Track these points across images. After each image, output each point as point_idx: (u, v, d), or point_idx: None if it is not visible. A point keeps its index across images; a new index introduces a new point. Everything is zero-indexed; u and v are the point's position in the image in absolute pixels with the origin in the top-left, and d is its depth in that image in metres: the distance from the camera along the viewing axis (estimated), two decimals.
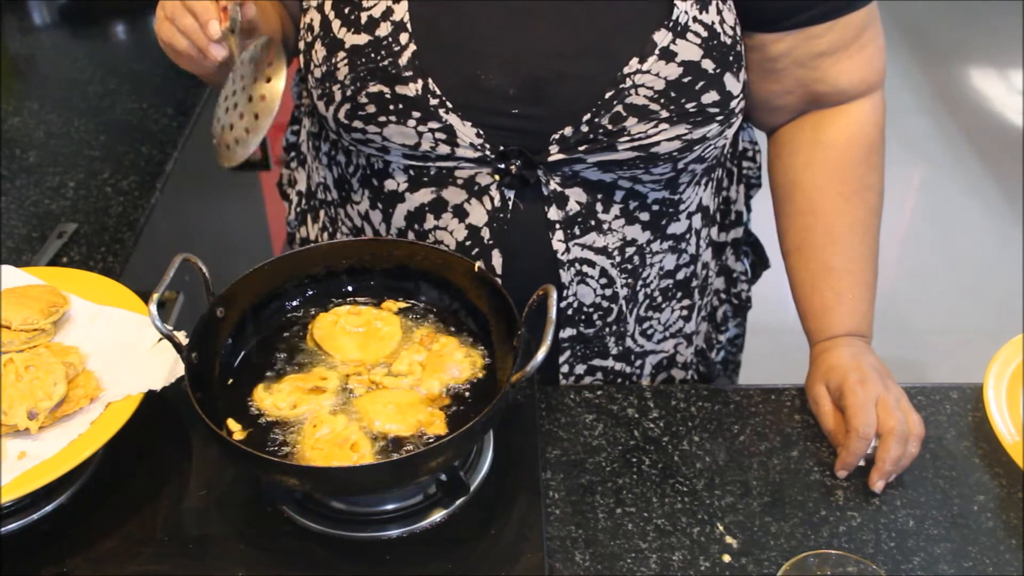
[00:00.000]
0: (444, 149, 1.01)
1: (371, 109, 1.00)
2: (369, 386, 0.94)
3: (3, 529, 0.89)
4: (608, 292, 1.11)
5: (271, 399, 0.91)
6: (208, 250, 1.33)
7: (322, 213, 1.23)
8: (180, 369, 0.92)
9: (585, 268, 1.08)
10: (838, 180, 1.10)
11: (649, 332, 1.20)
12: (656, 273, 1.15)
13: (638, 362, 1.21)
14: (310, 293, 1.03)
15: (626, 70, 0.95)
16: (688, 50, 0.96)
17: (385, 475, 0.84)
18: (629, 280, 1.12)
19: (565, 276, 1.08)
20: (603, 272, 1.09)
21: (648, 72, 0.95)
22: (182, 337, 0.92)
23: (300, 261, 1.02)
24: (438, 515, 0.90)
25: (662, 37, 0.95)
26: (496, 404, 0.84)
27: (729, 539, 0.92)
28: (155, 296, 0.88)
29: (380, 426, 0.88)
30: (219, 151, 1.00)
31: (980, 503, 0.97)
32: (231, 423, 0.89)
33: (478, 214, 1.05)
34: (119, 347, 0.99)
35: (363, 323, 0.99)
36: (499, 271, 1.07)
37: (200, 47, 0.95)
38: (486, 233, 1.05)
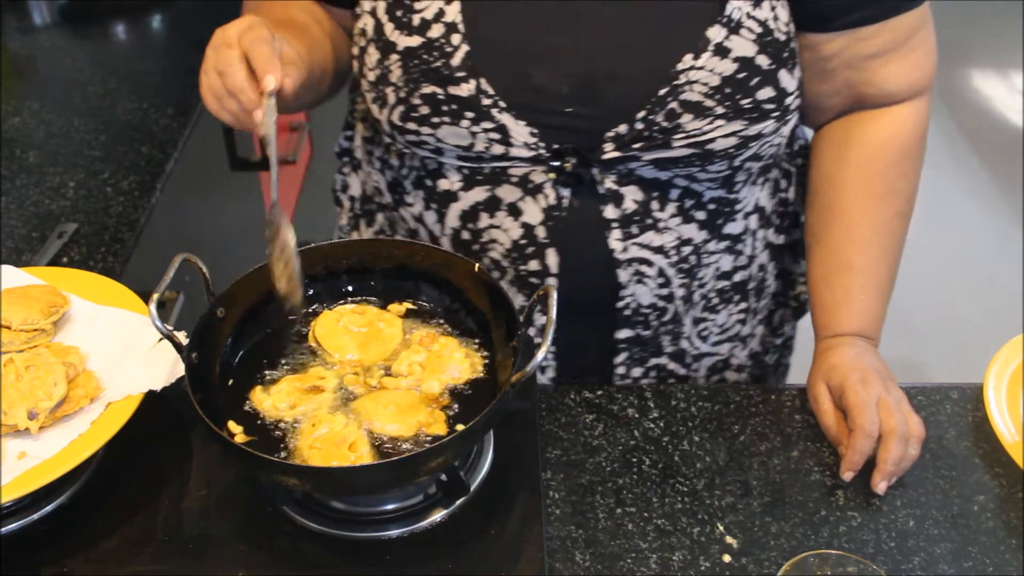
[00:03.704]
0: (498, 149, 1.01)
1: (425, 110, 1.00)
2: (368, 387, 0.94)
3: (3, 529, 0.89)
4: (664, 292, 1.11)
5: (270, 400, 0.91)
6: (208, 250, 1.33)
7: (380, 216, 1.23)
8: (180, 369, 0.92)
9: (643, 268, 1.08)
10: (866, 180, 1.10)
11: (705, 334, 1.19)
12: (712, 274, 1.15)
13: (694, 365, 1.20)
14: (310, 293, 1.03)
15: (680, 66, 0.95)
16: (742, 46, 0.96)
17: (385, 475, 0.84)
18: (685, 280, 1.12)
19: (623, 275, 1.08)
20: (660, 272, 1.09)
21: (702, 68, 0.95)
22: (182, 337, 0.92)
23: (300, 261, 1.02)
24: (438, 515, 0.90)
25: (716, 33, 0.95)
26: (496, 404, 0.84)
27: (729, 539, 0.92)
28: (155, 296, 0.88)
29: (380, 427, 0.88)
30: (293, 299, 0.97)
31: (980, 503, 0.97)
32: (232, 425, 0.89)
33: (533, 212, 1.05)
34: (119, 347, 0.99)
35: (365, 323, 0.99)
36: (554, 270, 1.07)
37: (247, 127, 0.94)
38: (541, 231, 1.05)
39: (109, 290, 1.05)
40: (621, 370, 1.16)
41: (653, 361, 1.16)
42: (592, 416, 1.05)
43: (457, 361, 0.95)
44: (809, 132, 1.20)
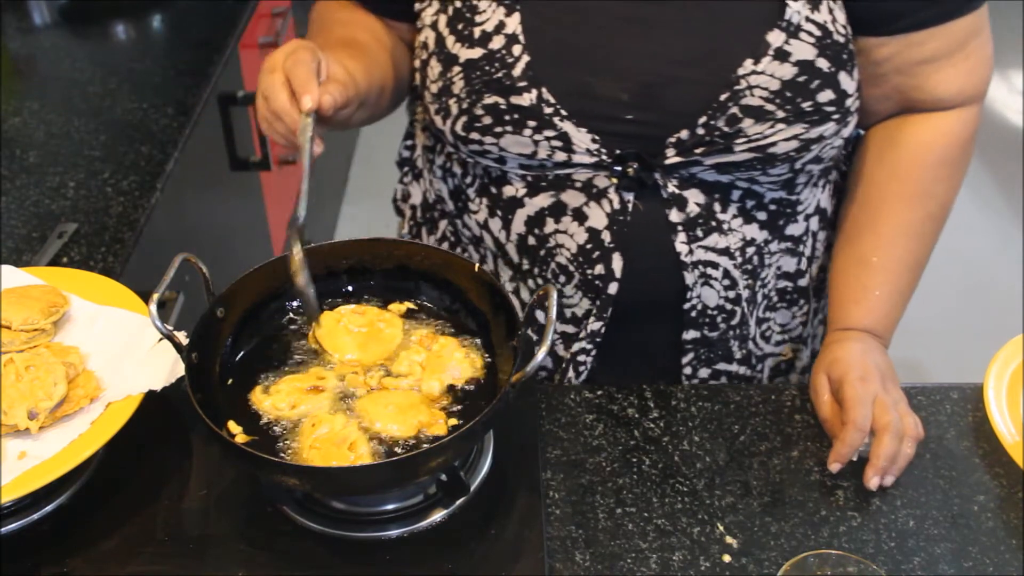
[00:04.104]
0: (560, 156, 1.02)
1: (487, 120, 1.01)
2: (368, 387, 0.94)
3: (3, 529, 0.89)
4: (731, 294, 1.11)
5: (270, 400, 0.91)
6: (208, 250, 1.33)
7: (443, 224, 1.23)
8: (180, 369, 0.92)
9: (709, 270, 1.08)
10: (899, 180, 1.10)
11: (767, 334, 1.20)
12: (773, 274, 1.15)
13: (759, 365, 1.21)
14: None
15: (740, 71, 0.96)
16: (802, 49, 0.96)
17: (385, 475, 0.84)
18: (749, 281, 1.12)
19: (689, 278, 1.08)
20: (726, 273, 1.09)
21: (763, 73, 0.96)
22: (182, 337, 0.92)
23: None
24: (438, 515, 0.90)
25: (776, 37, 0.95)
26: (496, 404, 0.84)
27: (729, 539, 0.92)
28: (155, 296, 0.88)
29: (380, 427, 0.88)
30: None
31: (980, 503, 0.97)
32: (232, 425, 0.89)
33: (598, 217, 1.05)
34: (119, 347, 0.99)
35: (366, 323, 0.99)
36: (618, 275, 1.07)
37: (295, 147, 0.96)
38: (607, 236, 1.06)
39: (109, 290, 1.05)
40: (688, 371, 1.16)
41: (722, 365, 1.17)
42: (592, 416, 1.05)
43: (457, 361, 0.95)
44: None
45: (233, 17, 1.86)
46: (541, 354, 0.82)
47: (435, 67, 1.04)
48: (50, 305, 1.00)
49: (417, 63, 1.08)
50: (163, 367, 0.95)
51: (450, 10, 1.03)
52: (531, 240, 1.10)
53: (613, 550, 0.91)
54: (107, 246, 1.28)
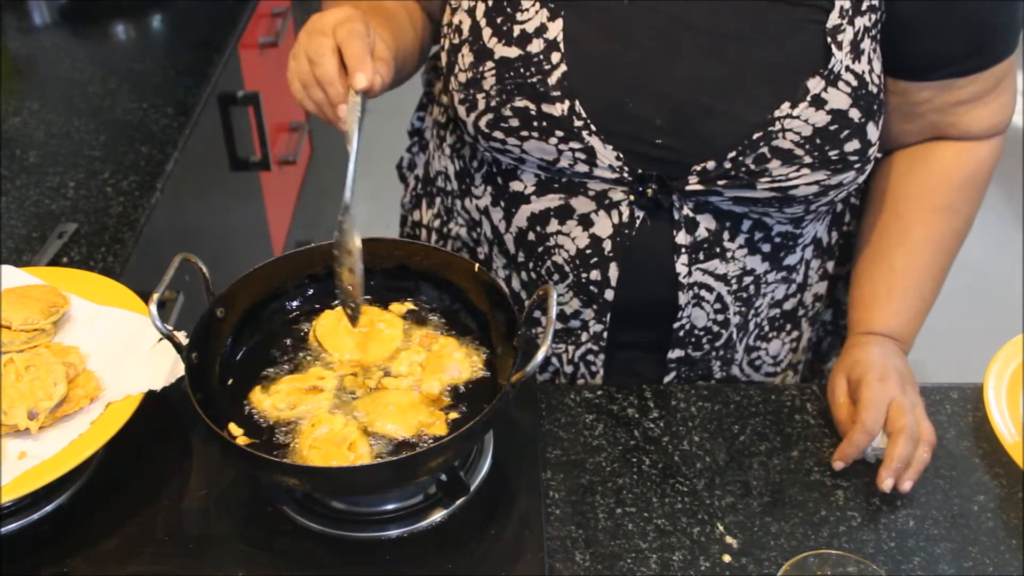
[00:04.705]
0: (582, 168, 1.01)
1: (514, 123, 1.00)
2: (368, 388, 0.94)
3: (3, 529, 0.89)
4: (720, 318, 1.11)
5: (270, 400, 0.91)
6: (208, 250, 1.33)
7: (438, 201, 1.23)
8: (180, 369, 0.92)
9: (703, 292, 1.08)
10: (928, 194, 1.10)
11: (757, 364, 1.20)
12: (767, 303, 1.15)
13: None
14: (310, 292, 1.03)
15: (777, 113, 0.95)
16: (838, 98, 0.96)
17: (385, 475, 0.84)
18: (742, 308, 1.12)
19: (683, 298, 1.08)
20: (719, 298, 1.10)
21: (798, 117, 0.95)
22: (182, 337, 0.92)
23: (300, 261, 1.02)
24: (438, 515, 0.90)
25: (815, 84, 0.95)
26: (496, 404, 0.84)
27: (729, 539, 0.92)
28: (155, 296, 0.88)
29: (381, 427, 0.88)
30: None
31: (980, 503, 0.97)
32: (232, 426, 0.89)
33: (603, 226, 1.05)
34: (119, 347, 0.99)
35: (366, 323, 0.99)
36: (613, 283, 1.07)
37: (328, 119, 0.92)
38: (608, 245, 1.05)
39: (109, 290, 1.05)
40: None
41: (702, 384, 1.17)
42: (592, 416, 1.05)
43: (457, 361, 0.95)
44: None
45: (233, 17, 1.86)
46: (541, 354, 0.82)
47: (467, 56, 1.01)
48: (50, 305, 1.00)
49: (446, 44, 1.05)
50: (163, 367, 0.95)
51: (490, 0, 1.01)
52: (531, 236, 1.09)
53: (613, 550, 0.91)
54: (107, 246, 1.28)
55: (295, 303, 1.03)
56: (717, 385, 1.16)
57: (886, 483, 0.95)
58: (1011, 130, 1.13)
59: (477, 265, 0.98)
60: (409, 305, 1.02)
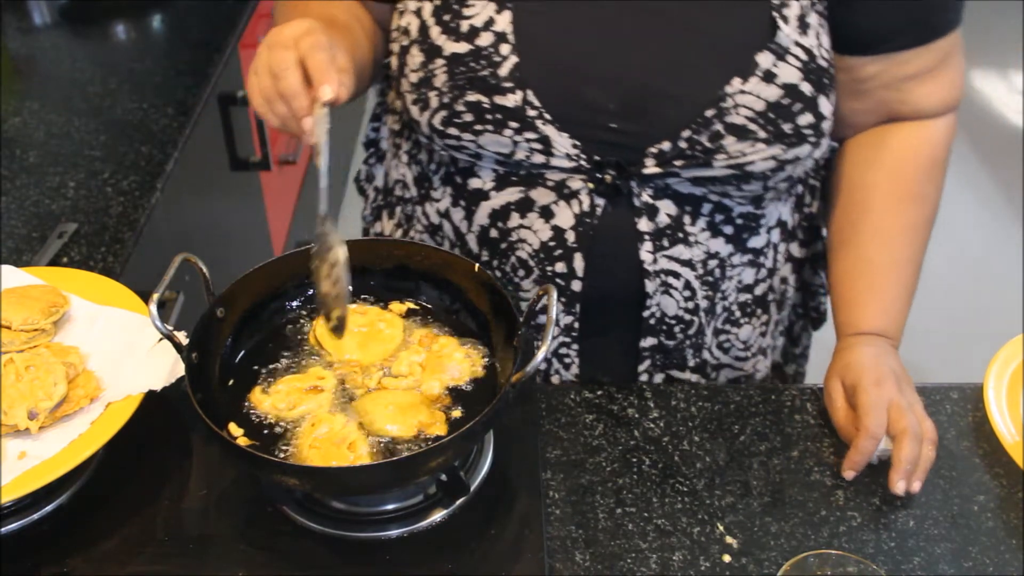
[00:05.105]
0: (539, 158, 1.02)
1: (468, 117, 1.00)
2: (368, 388, 0.94)
3: (3, 529, 0.89)
4: (690, 304, 1.11)
5: (270, 400, 0.91)
6: (208, 250, 1.33)
7: (398, 210, 1.23)
8: (180, 369, 0.92)
9: (670, 279, 1.08)
10: (895, 181, 1.11)
11: (726, 346, 1.19)
12: (734, 287, 1.15)
13: (714, 375, 1.21)
14: (310, 292, 1.03)
15: (728, 89, 0.96)
16: (788, 72, 0.97)
17: (385, 475, 0.84)
18: (709, 293, 1.12)
19: (650, 286, 1.08)
20: (687, 284, 1.10)
21: (749, 92, 0.96)
22: (182, 337, 0.92)
23: (300, 261, 1.02)
24: (438, 515, 0.90)
25: (765, 58, 0.96)
26: (496, 404, 0.84)
27: (729, 539, 0.92)
28: (155, 296, 0.88)
29: (380, 427, 0.88)
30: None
31: (980, 503, 0.97)
32: (232, 427, 0.89)
33: (565, 216, 1.05)
34: (119, 347, 0.99)
35: (367, 323, 0.99)
36: (580, 274, 1.07)
37: (293, 132, 0.91)
38: (571, 236, 1.05)
39: (109, 290, 1.05)
40: (644, 377, 1.16)
41: (675, 372, 1.17)
42: (592, 416, 1.05)
43: (457, 361, 0.95)
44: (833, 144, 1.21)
45: (233, 17, 1.86)
46: (541, 354, 0.82)
47: (416, 56, 1.01)
48: (50, 305, 1.00)
49: (395, 48, 1.06)
50: (163, 367, 0.95)
51: None
52: (493, 233, 1.09)
53: (613, 550, 0.91)
54: (107, 246, 1.28)
55: (295, 303, 1.03)
56: (717, 385, 1.16)
57: (899, 486, 0.95)
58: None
59: (477, 265, 0.98)
60: (409, 305, 1.02)
